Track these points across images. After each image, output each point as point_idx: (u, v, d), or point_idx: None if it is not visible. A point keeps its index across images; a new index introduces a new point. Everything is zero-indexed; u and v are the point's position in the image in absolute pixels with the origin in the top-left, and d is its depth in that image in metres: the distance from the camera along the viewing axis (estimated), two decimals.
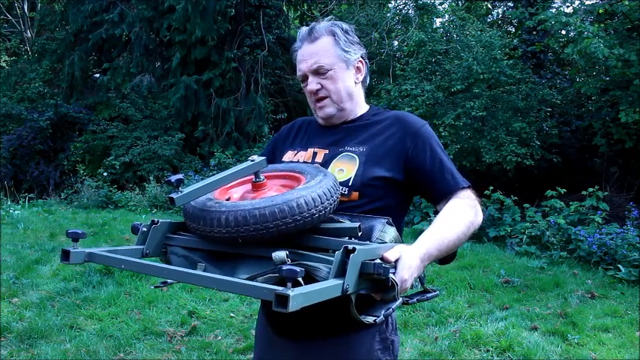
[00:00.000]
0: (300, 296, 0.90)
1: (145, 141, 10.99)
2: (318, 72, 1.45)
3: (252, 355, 3.17)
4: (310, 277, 1.09)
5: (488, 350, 3.69)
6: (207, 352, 3.56)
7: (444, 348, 3.68)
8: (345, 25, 1.50)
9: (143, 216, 8.55)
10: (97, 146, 11.52)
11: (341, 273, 1.04)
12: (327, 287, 1.00)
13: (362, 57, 1.52)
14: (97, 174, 10.60)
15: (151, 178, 10.11)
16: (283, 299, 0.88)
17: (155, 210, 9.12)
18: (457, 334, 3.90)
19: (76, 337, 3.70)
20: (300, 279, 0.97)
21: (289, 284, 0.90)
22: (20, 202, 9.82)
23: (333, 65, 1.45)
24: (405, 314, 4.26)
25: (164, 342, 3.68)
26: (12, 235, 6.67)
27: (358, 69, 1.52)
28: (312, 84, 1.46)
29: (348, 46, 1.47)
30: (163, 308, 4.24)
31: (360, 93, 1.55)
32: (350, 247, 1.04)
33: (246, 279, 1.18)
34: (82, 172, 10.86)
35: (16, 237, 6.54)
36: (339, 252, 1.05)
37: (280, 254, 1.05)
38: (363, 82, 1.55)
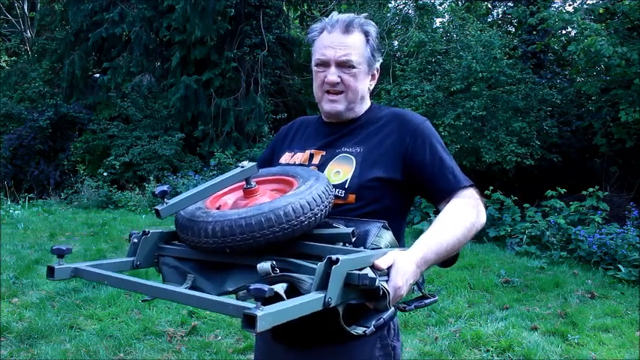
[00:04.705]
0: (269, 316, 0.84)
1: (145, 141, 11.00)
2: (344, 65, 1.40)
3: (252, 356, 3.16)
4: (295, 289, 1.04)
5: (488, 350, 3.68)
6: (207, 352, 3.55)
7: (444, 348, 3.68)
8: (376, 29, 1.48)
9: (143, 216, 8.55)
10: (97, 146, 11.52)
11: (324, 285, 0.98)
12: (306, 302, 0.93)
13: (379, 66, 1.51)
14: (97, 174, 10.62)
15: (151, 178, 10.12)
16: (251, 319, 0.83)
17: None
18: (457, 334, 3.90)
19: (76, 337, 3.70)
20: (282, 292, 0.93)
21: (259, 303, 0.85)
22: (20, 202, 9.83)
23: (360, 64, 1.42)
24: (405, 314, 4.26)
25: (164, 342, 3.68)
26: (12, 235, 6.67)
27: (373, 76, 1.50)
28: (333, 75, 1.40)
29: (376, 51, 1.46)
30: (163, 308, 4.23)
31: (367, 98, 1.52)
32: (334, 257, 0.99)
33: (232, 291, 1.18)
34: (82, 172, 10.88)
35: (16, 237, 6.53)
36: (322, 263, 0.99)
37: (265, 266, 1.02)
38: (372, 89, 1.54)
